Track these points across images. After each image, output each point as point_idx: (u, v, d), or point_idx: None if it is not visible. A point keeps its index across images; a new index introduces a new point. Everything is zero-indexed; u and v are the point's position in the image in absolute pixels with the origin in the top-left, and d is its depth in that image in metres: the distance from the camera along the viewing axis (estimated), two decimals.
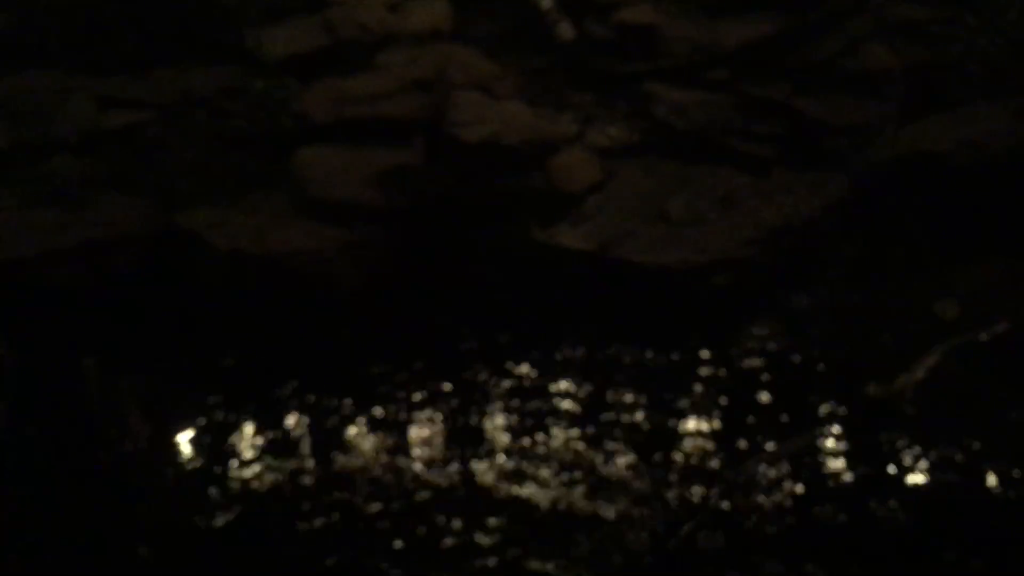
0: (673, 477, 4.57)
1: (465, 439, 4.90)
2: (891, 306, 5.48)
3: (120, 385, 5.42)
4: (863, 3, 6.71)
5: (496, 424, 4.99)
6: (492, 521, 4.39)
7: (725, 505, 4.40)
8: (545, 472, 4.66)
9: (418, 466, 4.77)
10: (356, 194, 6.02)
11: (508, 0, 7.12)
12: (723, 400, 5.04)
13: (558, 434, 4.88)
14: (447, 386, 5.26)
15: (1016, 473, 4.46)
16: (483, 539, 4.31)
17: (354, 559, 4.31)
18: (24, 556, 4.44)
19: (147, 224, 6.12)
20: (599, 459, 4.71)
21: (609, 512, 4.40)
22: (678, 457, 4.70)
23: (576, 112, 6.60)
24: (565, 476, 4.63)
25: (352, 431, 5.04)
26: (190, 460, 4.95)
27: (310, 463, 4.85)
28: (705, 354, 5.30)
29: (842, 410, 4.87)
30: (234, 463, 4.87)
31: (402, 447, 4.89)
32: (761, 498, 4.44)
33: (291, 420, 5.15)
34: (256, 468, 4.82)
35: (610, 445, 4.79)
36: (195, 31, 7.12)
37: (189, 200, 6.25)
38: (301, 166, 6.18)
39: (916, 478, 4.53)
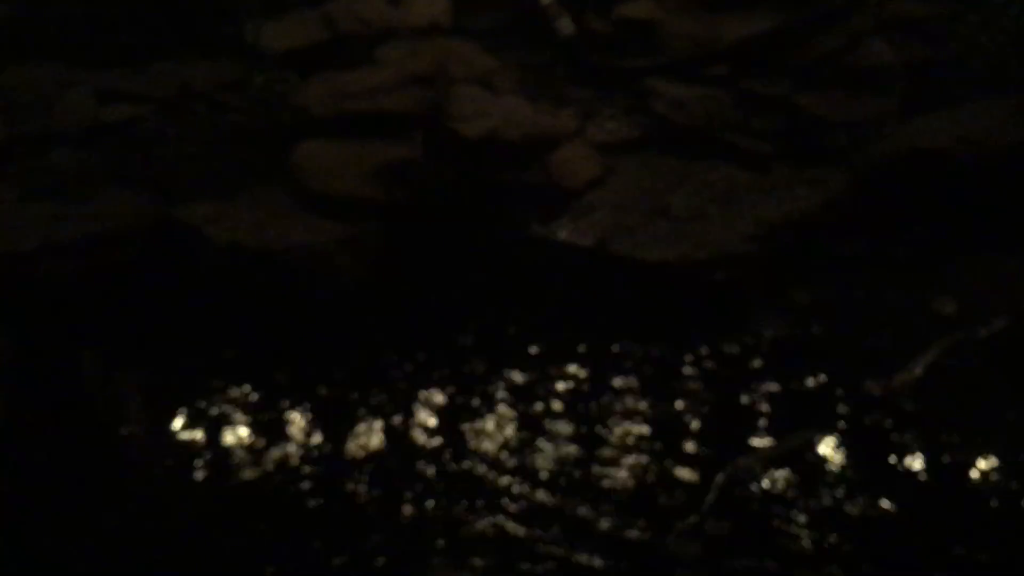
0: (670, 472, 4.58)
1: (459, 434, 4.90)
2: (890, 302, 5.49)
3: (119, 377, 5.42)
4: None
5: (495, 416, 4.99)
6: (488, 524, 4.39)
7: (724, 500, 4.41)
8: (543, 462, 4.66)
9: (418, 459, 4.77)
10: (355, 188, 6.01)
11: None
12: (721, 396, 5.04)
13: (557, 427, 4.89)
14: (445, 380, 5.25)
15: (1015, 469, 4.47)
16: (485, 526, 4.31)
17: (359, 550, 4.32)
18: (23, 549, 4.44)
19: (146, 217, 6.11)
20: (595, 458, 4.71)
21: (605, 521, 4.39)
22: (676, 453, 4.70)
23: (576, 107, 6.59)
24: (563, 468, 4.63)
25: (352, 422, 5.04)
26: (190, 452, 4.94)
27: (311, 454, 4.85)
28: (704, 350, 5.30)
29: (841, 406, 4.87)
30: (234, 455, 4.87)
31: (400, 440, 4.89)
32: (759, 493, 4.45)
33: (291, 412, 5.14)
34: (255, 459, 4.82)
35: (606, 442, 4.79)
36: (195, 25, 7.11)
37: (188, 193, 6.24)
38: (300, 160, 6.17)
39: (915, 474, 4.54)
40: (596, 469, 4.64)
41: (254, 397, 5.23)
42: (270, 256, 5.85)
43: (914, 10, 6.79)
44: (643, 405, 5.01)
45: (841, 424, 4.77)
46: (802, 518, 4.33)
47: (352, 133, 6.22)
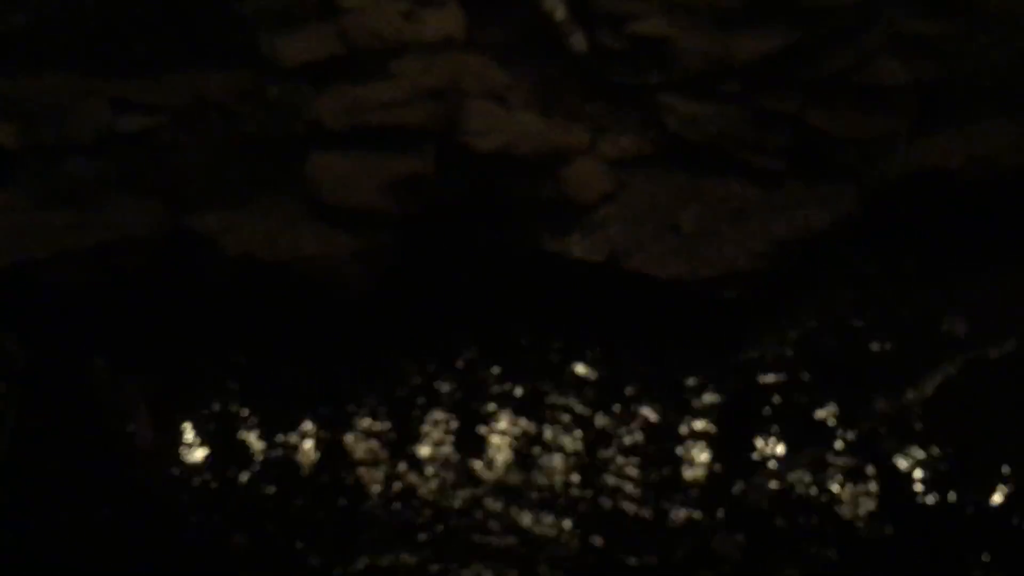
0: (678, 488, 4.59)
1: (463, 446, 4.92)
2: (900, 321, 5.51)
3: (130, 385, 5.45)
4: (874, 17, 6.72)
5: (499, 431, 5.01)
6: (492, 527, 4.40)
7: (732, 517, 4.42)
8: (544, 480, 4.68)
9: (427, 475, 4.78)
10: (368, 200, 6.04)
11: (521, 10, 7.14)
12: (730, 414, 5.06)
13: (563, 440, 4.90)
14: (453, 392, 5.28)
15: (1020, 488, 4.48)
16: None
17: (369, 556, 4.34)
18: (32, 554, 4.46)
19: (159, 227, 6.15)
20: (600, 475, 4.74)
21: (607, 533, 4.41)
22: (683, 469, 4.72)
23: (588, 122, 6.61)
24: (567, 484, 4.65)
25: (357, 434, 5.06)
26: (198, 460, 4.97)
27: (319, 462, 4.87)
28: (714, 366, 5.32)
29: (850, 425, 4.88)
30: (242, 463, 4.90)
31: (408, 453, 4.92)
32: (767, 511, 4.46)
33: (301, 421, 5.17)
34: (264, 468, 4.85)
35: (612, 458, 4.81)
36: (210, 36, 7.15)
37: (201, 203, 6.27)
38: (314, 171, 6.20)
39: (923, 494, 4.54)
40: (602, 482, 4.65)
41: (263, 405, 5.26)
42: (282, 267, 5.89)
43: (925, 29, 6.78)
44: (649, 416, 5.03)
45: (850, 443, 4.78)
46: (807, 534, 4.34)
47: (366, 146, 6.24)
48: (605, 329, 5.62)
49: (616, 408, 5.08)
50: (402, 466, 4.78)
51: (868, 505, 4.48)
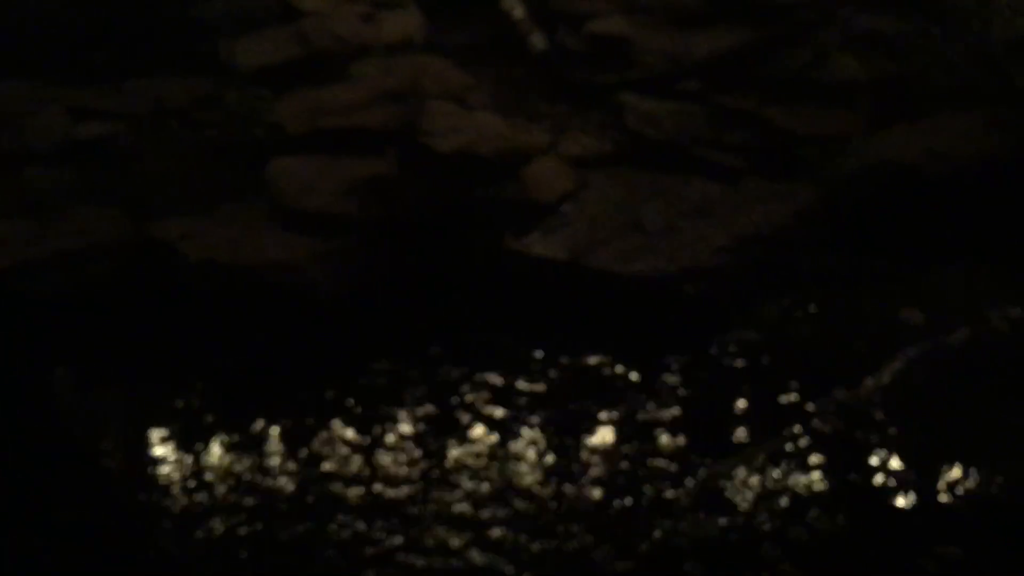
0: (640, 480, 4.63)
1: (427, 448, 4.93)
2: (859, 313, 5.57)
3: (94, 394, 5.41)
4: (830, 15, 6.81)
5: (460, 431, 5.03)
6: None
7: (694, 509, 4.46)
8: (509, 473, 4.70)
9: (392, 476, 4.79)
10: (330, 204, 6.04)
11: (481, 11, 7.17)
12: (693, 406, 5.10)
13: (531, 435, 4.93)
14: (418, 392, 5.29)
15: (978, 475, 4.54)
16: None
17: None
18: None
19: (121, 234, 6.12)
20: (566, 467, 4.76)
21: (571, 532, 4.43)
22: (646, 461, 4.76)
23: (549, 122, 6.65)
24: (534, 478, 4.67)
25: (327, 439, 5.06)
26: (164, 470, 4.94)
27: (288, 473, 4.86)
28: (676, 361, 5.36)
29: (811, 415, 4.94)
30: (209, 472, 4.88)
31: (376, 457, 4.91)
32: (728, 502, 4.50)
33: (266, 427, 5.15)
34: (232, 478, 4.83)
35: (575, 452, 4.84)
36: (168, 41, 7.12)
37: (163, 210, 6.25)
38: (275, 176, 6.19)
39: (883, 481, 4.61)
40: (564, 479, 4.69)
41: (229, 412, 5.24)
42: (245, 272, 5.87)
43: (881, 25, 6.88)
44: (613, 414, 5.06)
45: (811, 432, 4.84)
46: (767, 524, 4.39)
47: (327, 149, 6.25)
48: (569, 327, 5.64)
49: (575, 404, 5.11)
50: (374, 476, 4.77)
51: (826, 492, 4.53)
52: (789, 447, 4.74)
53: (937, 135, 6.05)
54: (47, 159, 6.54)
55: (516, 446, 4.91)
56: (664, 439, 4.89)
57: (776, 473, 4.62)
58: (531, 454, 4.86)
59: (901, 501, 4.51)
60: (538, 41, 6.98)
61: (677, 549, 4.29)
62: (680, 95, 6.58)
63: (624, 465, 4.75)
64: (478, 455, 4.86)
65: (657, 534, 4.35)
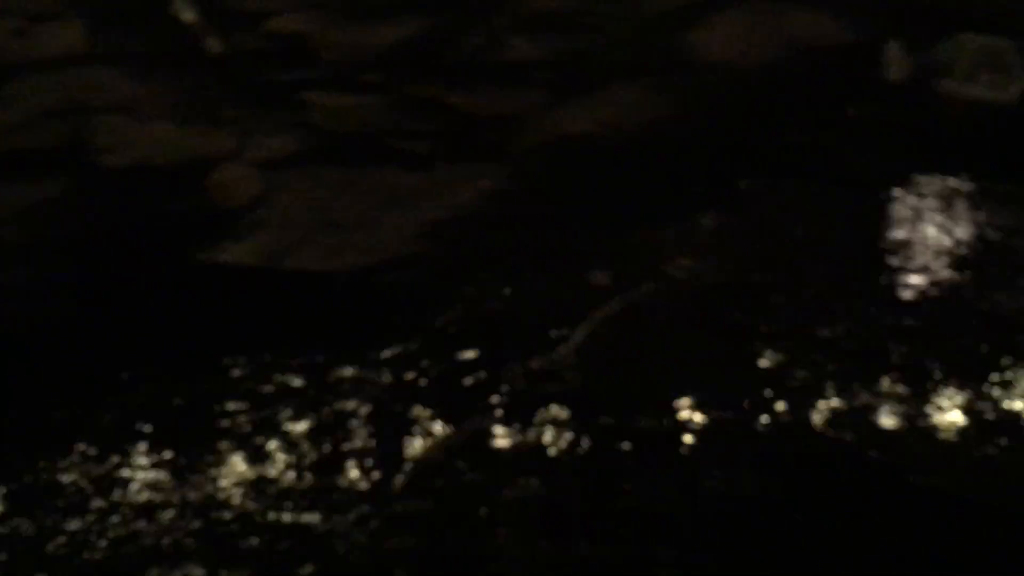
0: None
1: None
2: (553, 283, 5.77)
3: None
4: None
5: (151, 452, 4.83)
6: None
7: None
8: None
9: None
10: None
11: (151, 18, 6.90)
12: (393, 394, 5.12)
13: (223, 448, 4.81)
14: (104, 421, 5.03)
15: (656, 414, 4.84)
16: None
17: None
18: None
19: None
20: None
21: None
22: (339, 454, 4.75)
23: (233, 127, 6.49)
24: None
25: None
26: None
27: None
28: (371, 354, 5.36)
29: (507, 386, 5.08)
30: None
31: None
32: (437, 481, 4.57)
33: None
34: None
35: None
36: None
37: None
38: None
39: (579, 441, 4.81)
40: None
41: None
42: None
43: (551, 5, 7.18)
44: (308, 416, 5.01)
45: (509, 403, 4.98)
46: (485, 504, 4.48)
47: None
48: (266, 331, 5.52)
49: (267, 410, 5.02)
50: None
51: (530, 460, 4.68)
52: (488, 425, 4.86)
53: (607, 107, 6.39)
54: None
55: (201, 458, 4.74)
56: (356, 429, 4.88)
57: (477, 450, 4.72)
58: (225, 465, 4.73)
59: (597, 458, 4.72)
60: (214, 44, 6.80)
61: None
62: (364, 88, 6.61)
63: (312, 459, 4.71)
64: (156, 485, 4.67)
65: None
